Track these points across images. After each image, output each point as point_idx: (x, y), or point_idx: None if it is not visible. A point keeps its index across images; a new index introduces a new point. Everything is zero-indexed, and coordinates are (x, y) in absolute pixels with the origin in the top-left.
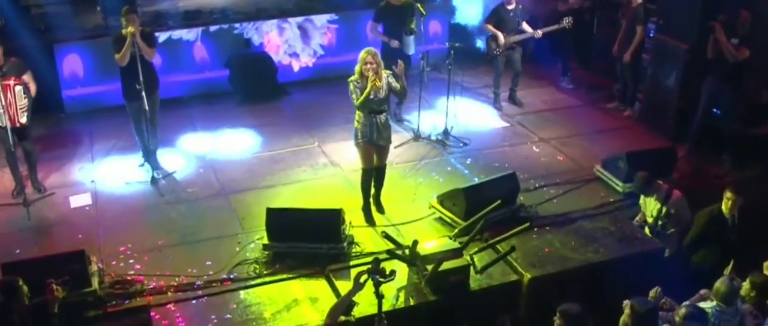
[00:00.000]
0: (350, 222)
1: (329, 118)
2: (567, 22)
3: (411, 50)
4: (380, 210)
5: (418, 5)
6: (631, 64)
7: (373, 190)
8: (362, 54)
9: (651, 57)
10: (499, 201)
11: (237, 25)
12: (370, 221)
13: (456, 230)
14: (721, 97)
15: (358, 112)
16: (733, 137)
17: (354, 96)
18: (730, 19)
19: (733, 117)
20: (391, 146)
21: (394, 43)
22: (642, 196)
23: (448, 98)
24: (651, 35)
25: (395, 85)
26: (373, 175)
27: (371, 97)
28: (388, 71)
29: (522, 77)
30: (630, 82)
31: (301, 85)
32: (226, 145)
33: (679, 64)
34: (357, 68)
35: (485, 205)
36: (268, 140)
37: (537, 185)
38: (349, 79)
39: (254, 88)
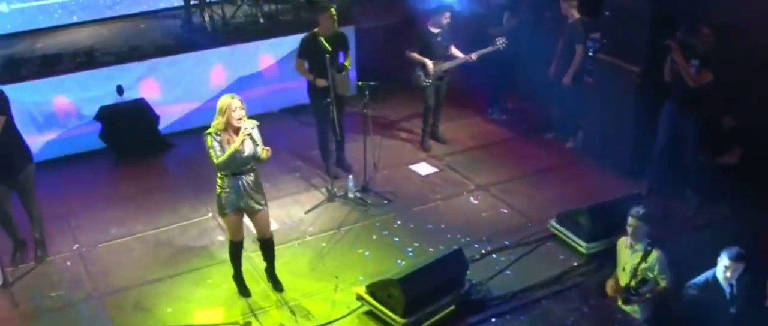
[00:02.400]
0: None
1: None
2: (501, 42)
3: (342, 90)
4: (277, 287)
5: (322, 41)
6: (571, 88)
7: (265, 264)
8: (228, 100)
9: (596, 80)
10: (452, 308)
11: (106, 69)
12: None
13: None
14: (683, 124)
15: (219, 174)
16: (697, 169)
17: (212, 152)
18: (688, 38)
19: (696, 147)
20: (302, 211)
21: (319, 83)
22: (621, 244)
23: (365, 146)
24: (591, 54)
25: (258, 140)
26: (261, 250)
27: (239, 153)
28: (254, 122)
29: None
30: (570, 108)
31: (188, 134)
32: (99, 223)
33: (630, 89)
34: (220, 120)
35: (428, 296)
36: (151, 213)
37: (483, 251)
38: (206, 132)
39: (132, 143)
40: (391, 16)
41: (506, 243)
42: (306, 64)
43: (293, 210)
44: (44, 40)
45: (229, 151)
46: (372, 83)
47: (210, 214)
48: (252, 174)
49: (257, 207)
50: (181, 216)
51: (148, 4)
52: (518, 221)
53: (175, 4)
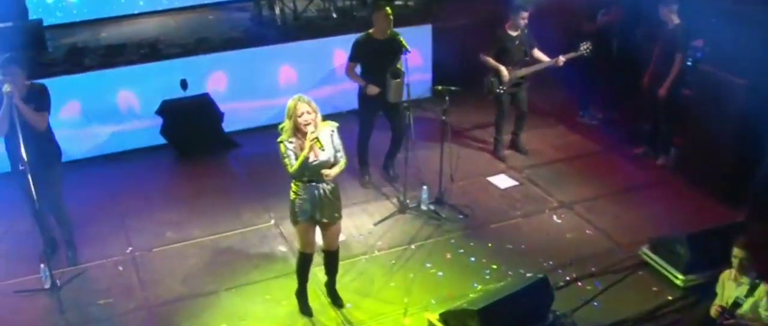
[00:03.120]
0: None
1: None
2: (585, 48)
3: (395, 98)
4: (337, 302)
5: (401, 39)
6: (666, 101)
7: (325, 278)
8: (293, 103)
9: (694, 93)
10: None
11: (171, 61)
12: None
13: None
14: None
15: (293, 182)
16: None
17: (287, 161)
18: None
19: None
20: (371, 223)
21: (371, 90)
22: (724, 277)
23: (441, 155)
24: (690, 64)
25: (337, 145)
26: (324, 261)
27: (310, 160)
28: (332, 124)
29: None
30: (664, 122)
31: (253, 133)
32: (155, 225)
33: (735, 104)
34: (287, 124)
35: None
36: (210, 217)
37: (568, 278)
38: (279, 140)
39: (194, 141)
40: (472, 16)
41: (593, 269)
42: (358, 68)
43: (361, 221)
44: (109, 30)
45: (299, 159)
46: (453, 88)
47: (272, 221)
48: (331, 183)
49: (328, 220)
50: (242, 222)
51: None
52: (605, 245)
53: None
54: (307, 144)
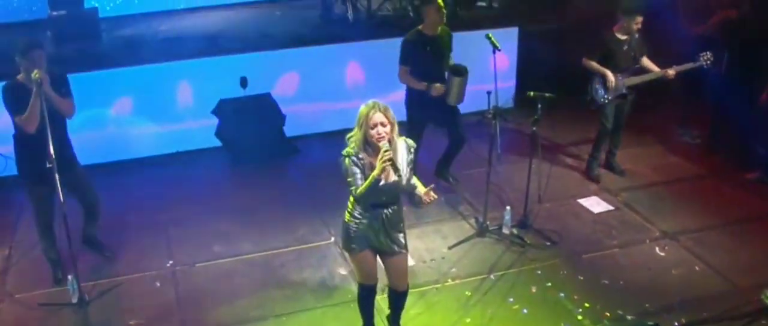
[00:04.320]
0: None
1: None
2: (705, 58)
3: (457, 99)
4: None
5: (491, 37)
6: None
7: (388, 310)
8: (366, 111)
9: None
10: None
11: (231, 57)
12: None
13: None
14: None
15: (352, 199)
16: None
17: (351, 180)
18: None
19: None
20: (445, 246)
21: (436, 90)
22: None
23: (529, 173)
24: None
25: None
26: (389, 298)
27: (381, 181)
28: (409, 141)
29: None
30: None
31: (317, 139)
32: (201, 237)
33: None
34: (357, 134)
35: None
36: (264, 230)
37: (676, 324)
38: (345, 152)
39: (251, 144)
40: (563, 19)
41: (705, 315)
42: (409, 70)
43: (434, 244)
44: (169, 23)
45: (368, 181)
46: (547, 94)
47: (333, 239)
48: (396, 205)
49: (395, 249)
50: (298, 239)
51: None
52: (719, 285)
53: None
54: (379, 164)
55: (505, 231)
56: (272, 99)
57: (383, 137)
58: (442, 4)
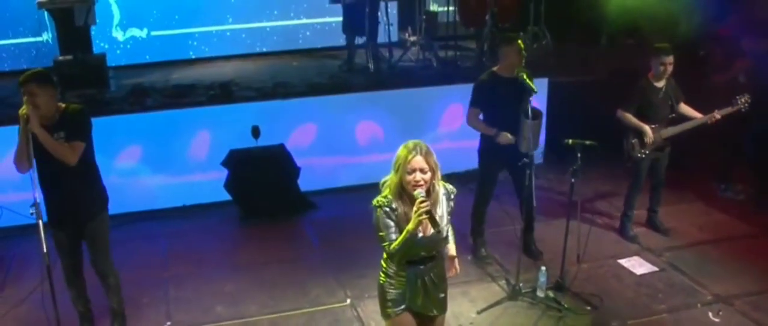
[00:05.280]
0: None
1: (373, 252)
2: (743, 102)
3: (531, 146)
4: None
5: (525, 76)
6: None
7: None
8: (405, 153)
9: None
10: None
11: (244, 105)
12: None
13: None
14: None
15: (385, 256)
16: None
17: (383, 234)
18: None
19: None
20: (473, 310)
21: (506, 138)
22: None
23: (567, 228)
24: None
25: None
26: None
27: (418, 235)
28: (449, 187)
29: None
30: None
31: (333, 194)
32: (204, 297)
33: None
34: (392, 179)
35: None
36: (273, 291)
37: None
38: (376, 202)
39: (263, 198)
40: (590, 72)
41: None
42: (481, 115)
43: (461, 308)
44: (181, 72)
45: (403, 236)
46: (588, 142)
47: (348, 301)
48: (438, 260)
49: (433, 312)
50: (311, 300)
51: (307, 40)
52: None
53: (340, 43)
54: (415, 218)
55: (540, 294)
56: (286, 150)
57: (422, 184)
58: (522, 46)
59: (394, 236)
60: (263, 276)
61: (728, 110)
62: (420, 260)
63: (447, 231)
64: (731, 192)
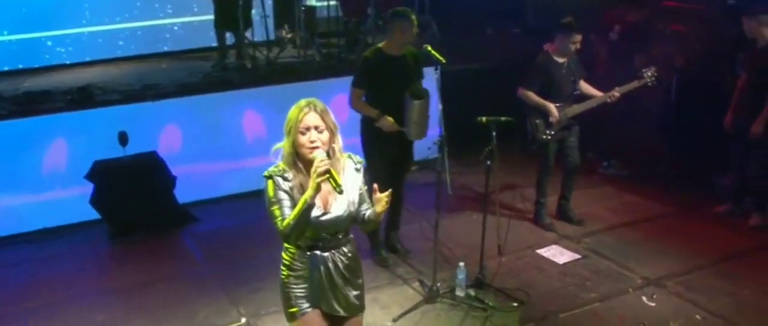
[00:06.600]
0: None
1: (267, 264)
2: (649, 75)
3: (418, 133)
4: None
5: (429, 48)
6: (761, 142)
7: None
8: (296, 112)
9: None
10: None
11: (108, 109)
12: None
13: None
14: None
15: (286, 246)
16: None
17: (275, 209)
18: None
19: None
20: (388, 319)
21: (388, 124)
22: None
23: (485, 218)
24: None
25: (365, 191)
26: None
27: (318, 214)
28: (357, 158)
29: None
30: (756, 170)
31: (216, 204)
32: None
33: None
34: (285, 145)
35: None
36: (153, 317)
37: None
38: (267, 173)
39: (135, 213)
40: (480, 61)
41: None
42: (364, 97)
43: (374, 317)
44: (35, 80)
45: (298, 208)
46: (503, 118)
47: (244, 320)
48: (347, 247)
49: (351, 310)
50: (199, 323)
51: (173, 43)
52: None
53: (211, 45)
54: (313, 181)
55: (460, 293)
56: (159, 158)
57: (318, 145)
58: (415, 21)
59: (288, 211)
60: (142, 300)
61: (632, 86)
62: (322, 245)
63: (359, 206)
64: (613, 169)
